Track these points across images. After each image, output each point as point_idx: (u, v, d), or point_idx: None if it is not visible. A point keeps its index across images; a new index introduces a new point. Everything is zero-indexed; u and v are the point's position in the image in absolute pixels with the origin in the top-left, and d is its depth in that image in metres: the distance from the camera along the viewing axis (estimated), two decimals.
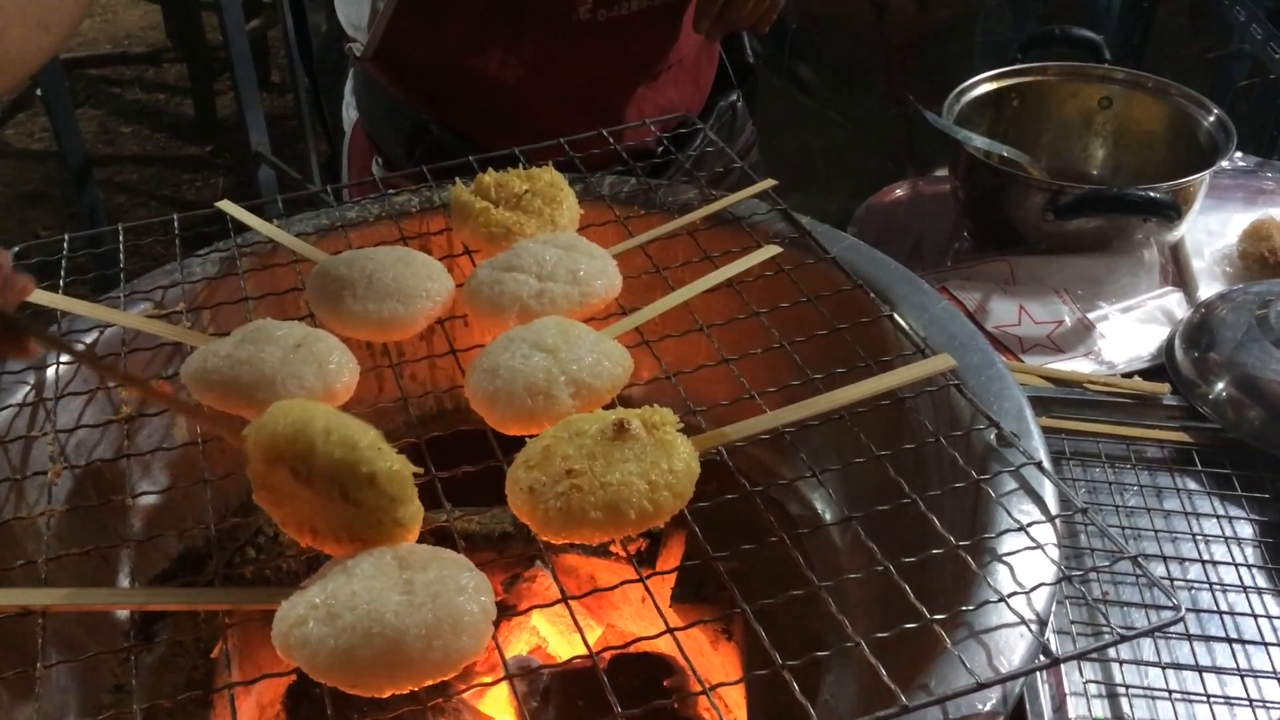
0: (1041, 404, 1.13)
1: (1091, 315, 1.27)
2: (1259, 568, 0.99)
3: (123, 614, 0.90)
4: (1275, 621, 0.94)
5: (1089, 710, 0.87)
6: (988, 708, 0.62)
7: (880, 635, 0.65)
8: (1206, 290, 1.31)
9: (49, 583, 0.71)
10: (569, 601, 0.68)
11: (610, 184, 1.09)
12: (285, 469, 0.66)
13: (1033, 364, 1.21)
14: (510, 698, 0.99)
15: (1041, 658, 0.65)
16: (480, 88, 1.20)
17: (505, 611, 0.87)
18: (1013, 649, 0.65)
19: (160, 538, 0.90)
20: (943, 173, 1.53)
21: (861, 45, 2.48)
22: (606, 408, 0.78)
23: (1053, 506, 0.75)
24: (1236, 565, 0.98)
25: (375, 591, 0.62)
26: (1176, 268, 1.36)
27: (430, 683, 0.62)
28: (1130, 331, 1.25)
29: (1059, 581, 0.69)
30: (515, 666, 1.00)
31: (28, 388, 0.89)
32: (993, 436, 0.80)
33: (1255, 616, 0.94)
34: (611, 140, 1.11)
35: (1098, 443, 1.10)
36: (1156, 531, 1.02)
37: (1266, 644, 0.92)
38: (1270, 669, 0.90)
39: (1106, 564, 0.96)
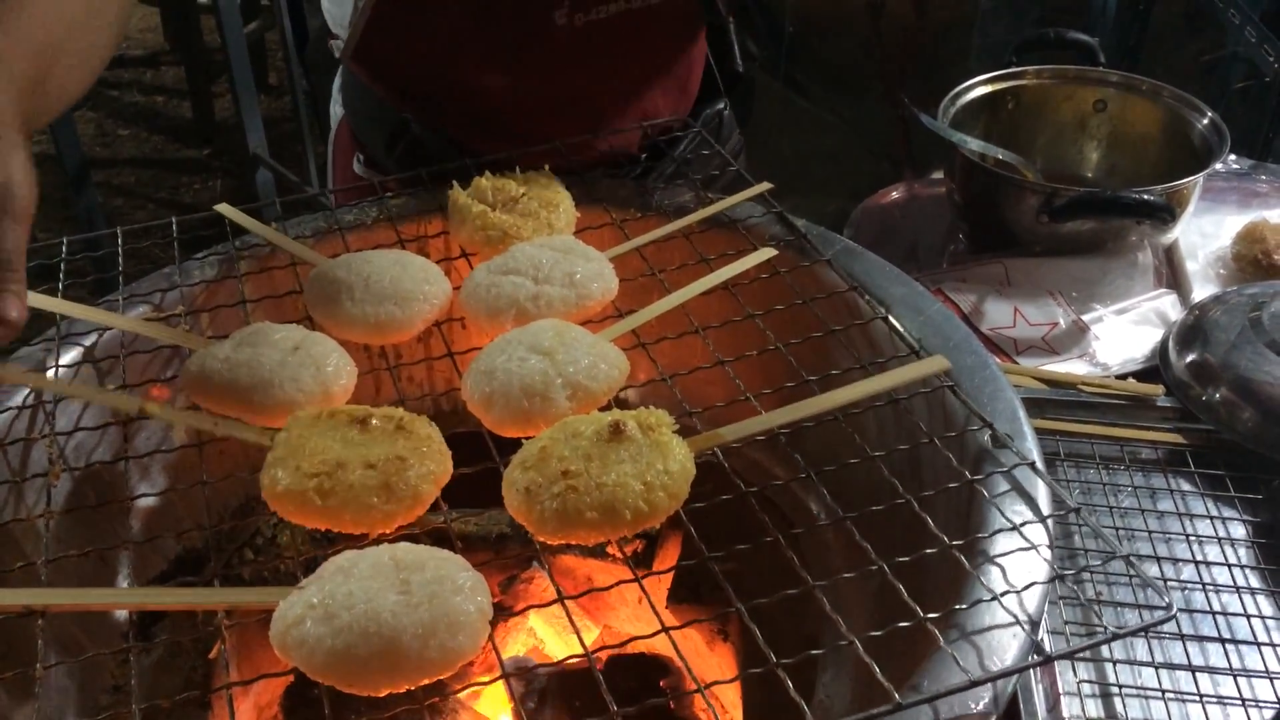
0: (1036, 405, 1.14)
1: (1086, 317, 1.27)
2: (1252, 568, 0.99)
3: (121, 615, 0.90)
4: (1268, 621, 0.94)
5: (1083, 710, 0.87)
6: (980, 706, 0.63)
7: (874, 634, 0.65)
8: (1200, 292, 1.32)
9: (48, 584, 0.72)
10: (565, 601, 0.69)
11: (607, 187, 1.09)
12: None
13: (1027, 366, 1.21)
14: (507, 697, 0.99)
15: (1034, 656, 0.66)
16: (459, 90, 1.20)
17: (502, 612, 0.88)
18: (1005, 647, 0.66)
19: (158, 539, 0.91)
20: (938, 175, 1.53)
21: (858, 48, 2.49)
22: (603, 410, 0.79)
23: (1045, 507, 0.75)
24: (1230, 566, 0.99)
25: (372, 591, 0.63)
26: (1171, 270, 1.36)
27: (427, 682, 0.63)
28: (1124, 333, 1.26)
29: (1051, 581, 0.70)
30: (512, 667, 1.01)
31: (27, 390, 0.89)
32: (986, 437, 0.80)
33: (1248, 616, 0.94)
34: (597, 144, 1.11)
35: (1092, 444, 1.11)
36: (1150, 532, 1.02)
37: (1259, 644, 0.92)
38: (1263, 669, 0.90)
39: (1099, 564, 0.97)
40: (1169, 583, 0.98)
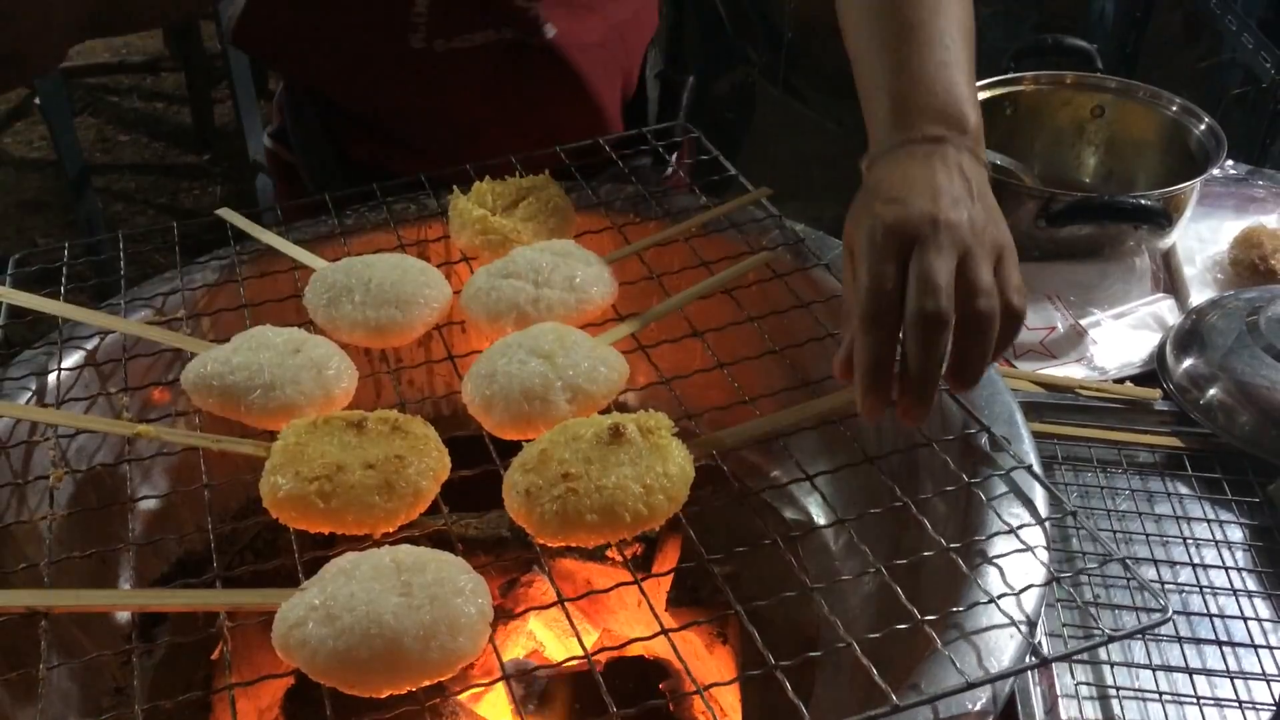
0: (1034, 409, 1.14)
1: (1084, 321, 1.28)
2: (1249, 571, 1.00)
3: (123, 617, 0.90)
4: (1265, 624, 0.95)
5: (1080, 712, 0.88)
6: (977, 707, 0.63)
7: (872, 636, 0.66)
8: (1198, 297, 1.32)
9: (51, 586, 0.72)
10: (565, 604, 0.69)
11: (606, 192, 1.10)
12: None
13: (1025, 369, 1.22)
14: (507, 699, 1.00)
15: (1031, 658, 0.66)
16: (342, 94, 1.20)
17: (503, 615, 0.88)
18: (1003, 649, 0.66)
19: (160, 541, 0.91)
20: None
21: None
22: (603, 413, 0.79)
23: (1043, 510, 0.75)
24: (1227, 568, 0.99)
25: (374, 593, 0.63)
26: (1168, 274, 1.37)
27: (428, 683, 0.63)
28: (1122, 337, 1.27)
29: (1048, 583, 0.70)
30: (512, 669, 1.01)
31: (29, 393, 0.90)
32: (984, 440, 0.81)
33: (1245, 619, 0.95)
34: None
35: (1090, 447, 1.11)
36: (1148, 535, 1.03)
37: (1256, 646, 0.93)
38: (1259, 671, 0.91)
39: (1095, 567, 0.97)
40: (1166, 585, 0.98)
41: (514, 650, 1.08)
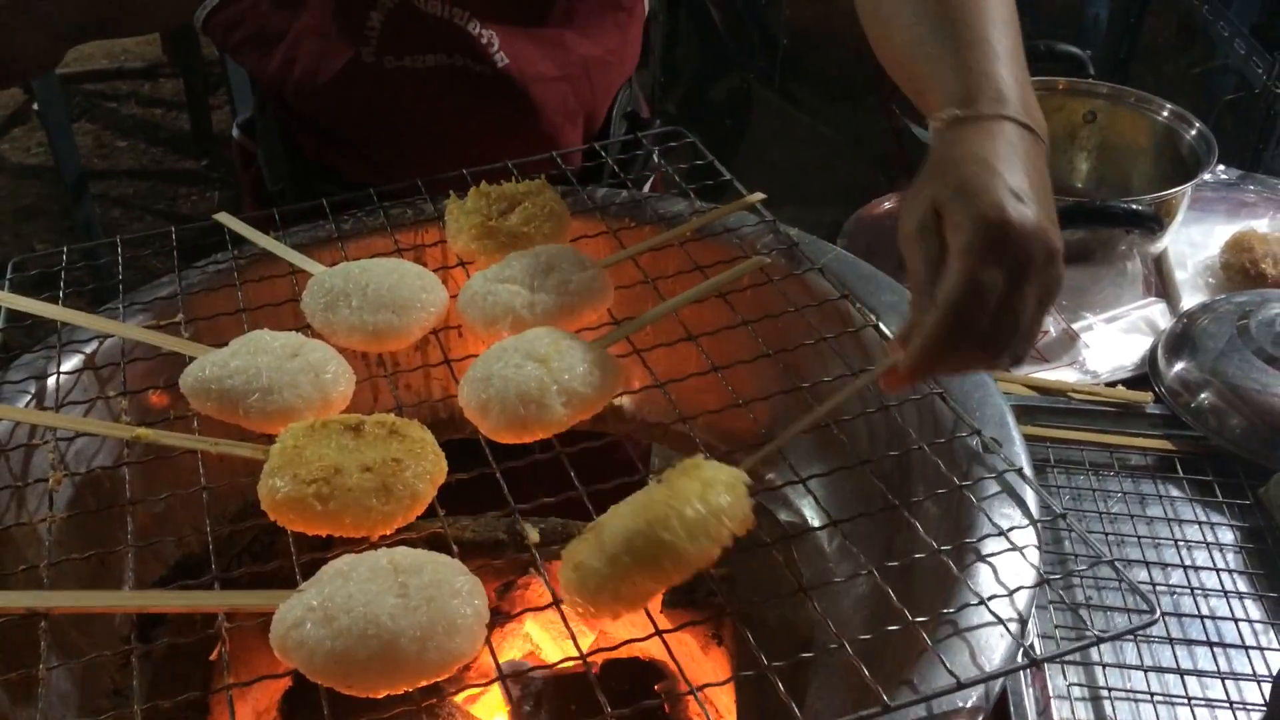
0: (1027, 412, 1.15)
1: (1076, 325, 1.29)
2: (1239, 573, 1.00)
3: (121, 619, 0.91)
4: (1255, 625, 0.95)
5: (1073, 713, 0.89)
6: (969, 705, 0.64)
7: (864, 637, 0.66)
8: (1189, 301, 1.33)
9: (50, 587, 0.73)
10: (560, 605, 0.70)
11: (602, 196, 1.11)
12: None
13: (1018, 373, 1.22)
14: (503, 700, 1.00)
15: (1021, 658, 0.67)
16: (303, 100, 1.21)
17: (499, 618, 0.88)
18: (993, 650, 0.67)
19: (159, 544, 0.92)
20: None
21: (852, 60, 2.50)
22: (598, 415, 0.80)
23: (1034, 512, 0.76)
24: (1218, 570, 1.00)
25: (371, 594, 0.64)
26: (1160, 279, 1.38)
27: (424, 684, 0.64)
28: (1114, 341, 1.27)
29: (1038, 585, 0.71)
30: (508, 670, 1.02)
31: (29, 397, 0.90)
32: (975, 443, 0.81)
33: (1235, 620, 0.96)
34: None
35: (1082, 450, 1.12)
36: (1139, 537, 1.04)
37: (1246, 647, 0.93)
38: (1250, 672, 0.91)
39: (1086, 569, 0.98)
40: (1158, 587, 0.99)
41: (510, 652, 1.08)
